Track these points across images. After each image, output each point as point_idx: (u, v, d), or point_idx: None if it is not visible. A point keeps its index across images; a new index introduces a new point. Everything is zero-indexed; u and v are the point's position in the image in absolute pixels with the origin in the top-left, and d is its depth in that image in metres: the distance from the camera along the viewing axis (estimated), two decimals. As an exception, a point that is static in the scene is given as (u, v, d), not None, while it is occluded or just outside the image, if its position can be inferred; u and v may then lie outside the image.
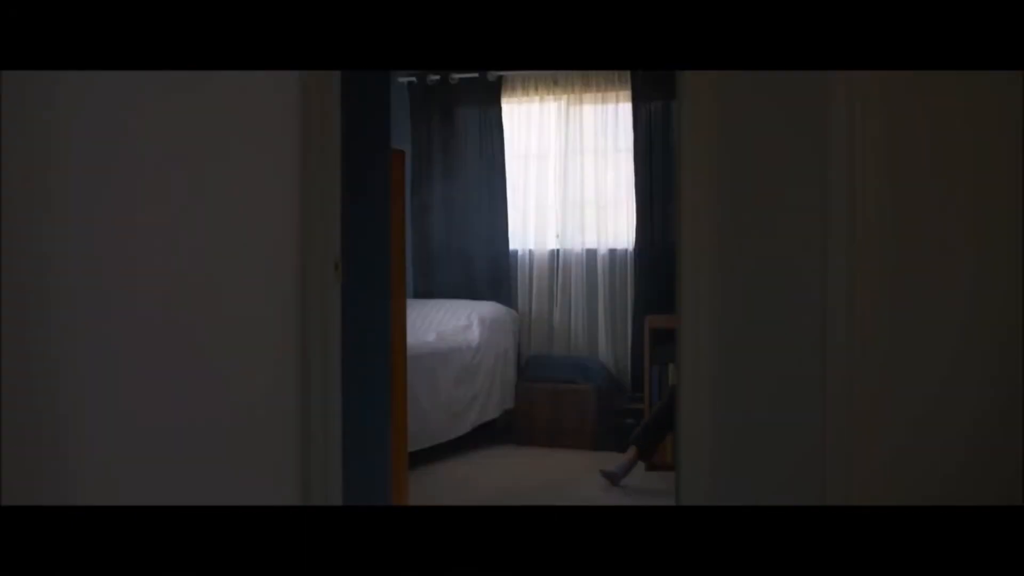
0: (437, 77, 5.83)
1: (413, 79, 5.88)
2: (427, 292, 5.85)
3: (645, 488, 4.38)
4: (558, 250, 5.72)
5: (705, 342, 2.54)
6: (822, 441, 2.42)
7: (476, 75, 5.74)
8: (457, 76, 5.78)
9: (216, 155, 2.52)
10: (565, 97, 5.68)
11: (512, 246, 5.78)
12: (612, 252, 5.60)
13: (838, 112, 2.39)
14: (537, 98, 5.74)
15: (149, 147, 2.48)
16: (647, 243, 5.43)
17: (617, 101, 5.58)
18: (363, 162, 3.00)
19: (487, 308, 5.55)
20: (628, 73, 5.47)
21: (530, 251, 5.78)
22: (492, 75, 5.72)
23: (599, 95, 5.62)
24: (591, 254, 5.64)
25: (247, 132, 2.53)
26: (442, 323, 5.43)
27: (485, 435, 5.25)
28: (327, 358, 2.58)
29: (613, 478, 4.34)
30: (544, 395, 5.32)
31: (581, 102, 5.66)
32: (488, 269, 5.79)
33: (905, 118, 2.39)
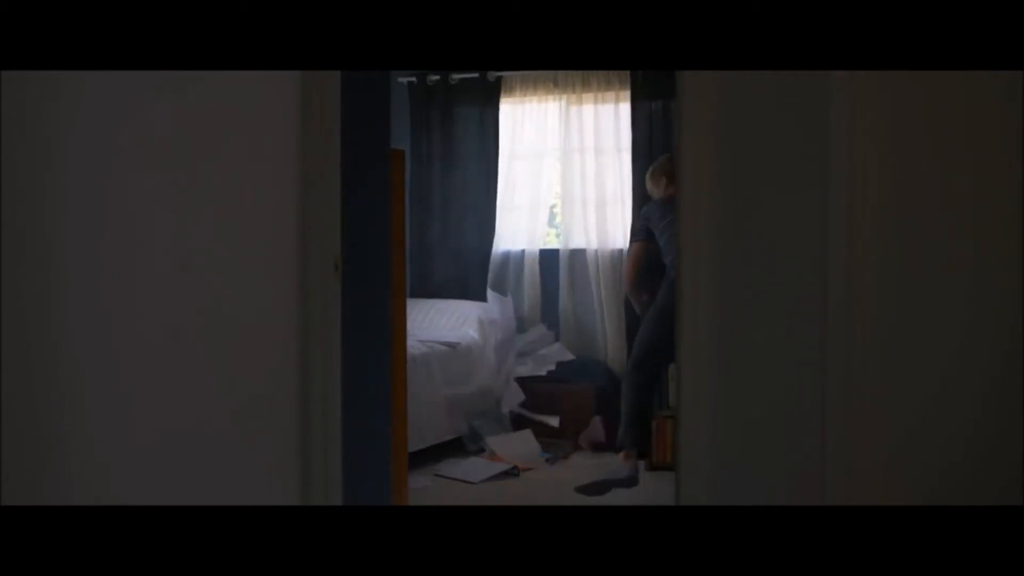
0: (437, 77, 5.83)
1: (413, 79, 5.88)
2: (426, 292, 5.85)
3: (645, 488, 4.38)
4: (558, 250, 5.72)
5: (705, 342, 2.54)
6: (822, 441, 2.42)
7: (476, 75, 5.74)
8: (457, 76, 5.78)
9: (216, 155, 2.52)
10: (565, 97, 5.68)
11: (512, 246, 5.78)
12: (612, 252, 5.60)
13: (838, 112, 2.39)
14: (536, 98, 5.74)
15: (149, 147, 2.48)
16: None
17: (617, 101, 5.57)
18: (363, 162, 3.00)
19: (487, 308, 5.54)
20: (628, 73, 5.47)
21: (530, 251, 5.77)
22: (492, 75, 5.72)
23: (599, 95, 5.62)
24: (591, 254, 5.64)
25: (247, 132, 2.53)
26: (441, 323, 5.42)
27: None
28: (327, 358, 2.58)
29: (629, 483, 4.38)
30: (544, 395, 5.31)
31: (581, 102, 5.66)
32: (487, 269, 5.78)
33: (905, 118, 2.39)
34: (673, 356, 4.41)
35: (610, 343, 5.55)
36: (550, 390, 5.31)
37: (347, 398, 2.69)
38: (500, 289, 5.72)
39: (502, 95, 5.74)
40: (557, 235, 5.80)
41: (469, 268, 5.81)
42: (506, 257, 5.77)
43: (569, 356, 5.52)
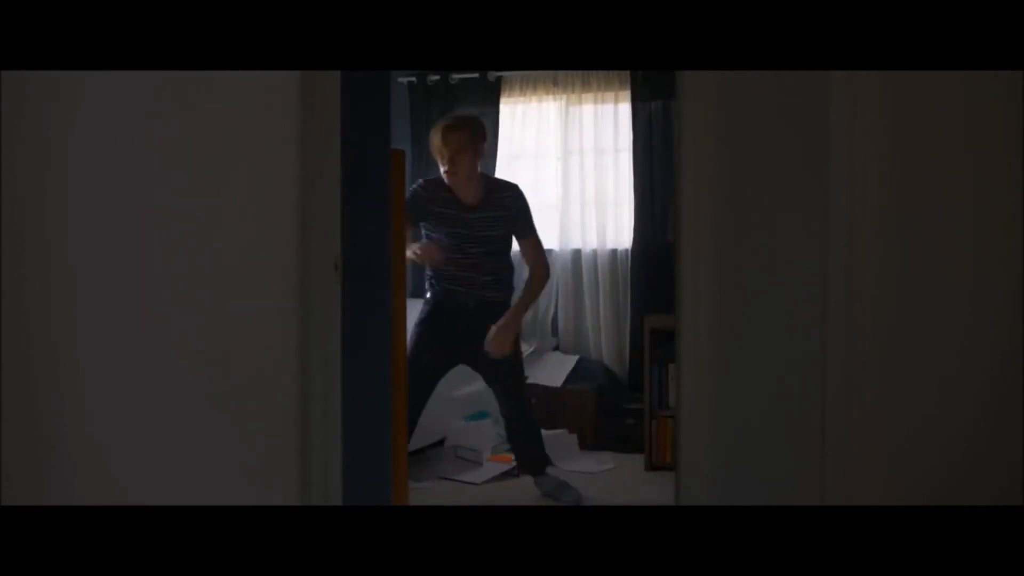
0: (437, 77, 5.82)
1: (413, 79, 5.87)
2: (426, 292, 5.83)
3: (644, 488, 4.37)
4: (557, 250, 5.71)
5: (705, 342, 2.54)
6: (822, 441, 2.42)
7: (476, 75, 5.73)
8: (457, 76, 5.77)
9: (216, 155, 2.52)
10: (565, 97, 5.67)
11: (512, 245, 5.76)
12: (612, 252, 5.60)
13: (838, 112, 2.39)
14: (536, 98, 5.73)
15: (149, 147, 2.48)
16: (647, 243, 5.42)
17: (617, 101, 5.56)
18: (363, 162, 3.00)
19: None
20: (628, 73, 5.46)
21: (530, 251, 5.75)
22: (492, 75, 5.71)
23: (599, 95, 5.61)
24: (591, 254, 5.63)
25: (247, 132, 2.53)
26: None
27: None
28: (327, 358, 2.58)
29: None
30: (544, 395, 5.30)
31: (581, 102, 5.65)
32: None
33: (905, 118, 2.39)
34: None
35: (609, 344, 5.54)
36: (550, 389, 5.29)
37: (347, 398, 2.69)
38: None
39: (502, 95, 5.73)
40: (557, 235, 5.78)
41: (468, 268, 5.79)
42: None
43: (570, 366, 5.48)
